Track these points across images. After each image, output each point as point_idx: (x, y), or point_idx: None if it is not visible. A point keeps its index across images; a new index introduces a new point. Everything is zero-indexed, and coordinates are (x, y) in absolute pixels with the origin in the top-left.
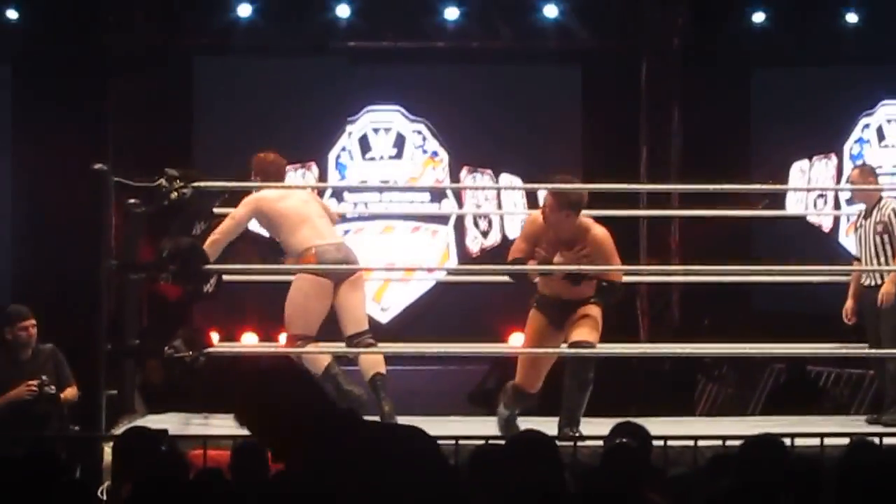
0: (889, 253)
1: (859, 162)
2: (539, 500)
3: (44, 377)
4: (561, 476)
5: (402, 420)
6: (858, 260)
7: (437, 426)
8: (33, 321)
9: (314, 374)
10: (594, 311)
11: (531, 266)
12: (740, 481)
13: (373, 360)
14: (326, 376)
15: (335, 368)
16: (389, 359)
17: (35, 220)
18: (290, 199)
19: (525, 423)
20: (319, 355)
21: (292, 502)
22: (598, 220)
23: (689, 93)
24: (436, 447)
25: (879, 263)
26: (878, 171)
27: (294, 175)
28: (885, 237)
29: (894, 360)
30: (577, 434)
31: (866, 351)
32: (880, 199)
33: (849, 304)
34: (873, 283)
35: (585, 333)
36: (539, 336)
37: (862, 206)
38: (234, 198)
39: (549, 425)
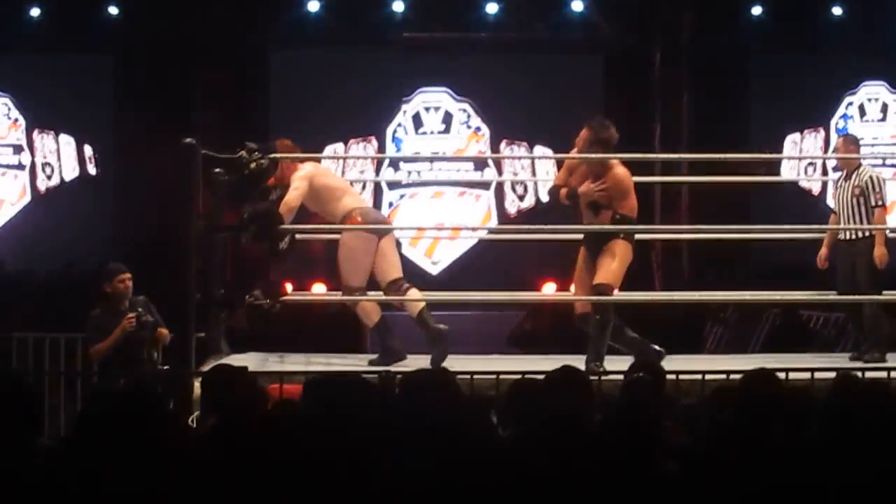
0: (864, 213)
1: (844, 133)
2: (568, 427)
3: (139, 309)
4: (589, 407)
5: (453, 358)
6: (834, 213)
7: (480, 364)
8: (129, 275)
9: (367, 322)
10: (614, 248)
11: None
12: (741, 411)
13: (416, 302)
14: (380, 324)
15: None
16: (439, 305)
17: (134, 189)
18: (329, 174)
19: (560, 360)
20: (372, 306)
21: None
22: None
23: (696, 77)
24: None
25: (855, 221)
26: (859, 142)
27: (357, 147)
28: (862, 199)
29: (870, 304)
30: (601, 369)
31: (848, 297)
32: (859, 165)
33: (823, 251)
34: (849, 237)
35: (601, 276)
36: (580, 267)
37: (842, 171)
38: None
39: (579, 362)
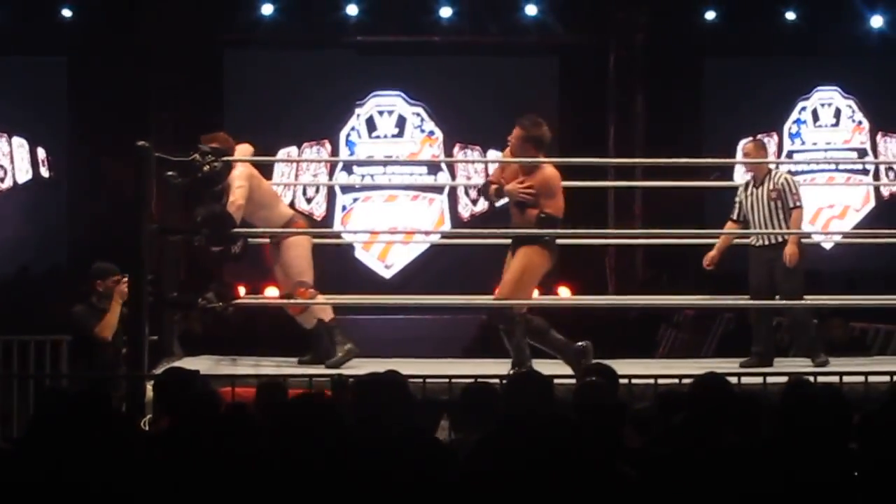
0: (782, 216)
1: (749, 138)
2: (525, 432)
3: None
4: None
5: (406, 361)
6: (735, 221)
7: (433, 367)
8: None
9: (319, 318)
10: (525, 255)
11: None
12: (691, 415)
13: (327, 308)
14: (327, 324)
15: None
16: (393, 309)
17: (88, 191)
18: (263, 179)
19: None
20: (326, 306)
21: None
22: (571, 189)
23: (651, 80)
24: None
25: (773, 225)
26: (812, 146)
27: (310, 151)
28: (779, 202)
29: (800, 309)
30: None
31: (796, 302)
32: (770, 169)
33: (713, 253)
34: (766, 243)
35: (501, 288)
36: (505, 267)
37: (752, 177)
38: (258, 170)
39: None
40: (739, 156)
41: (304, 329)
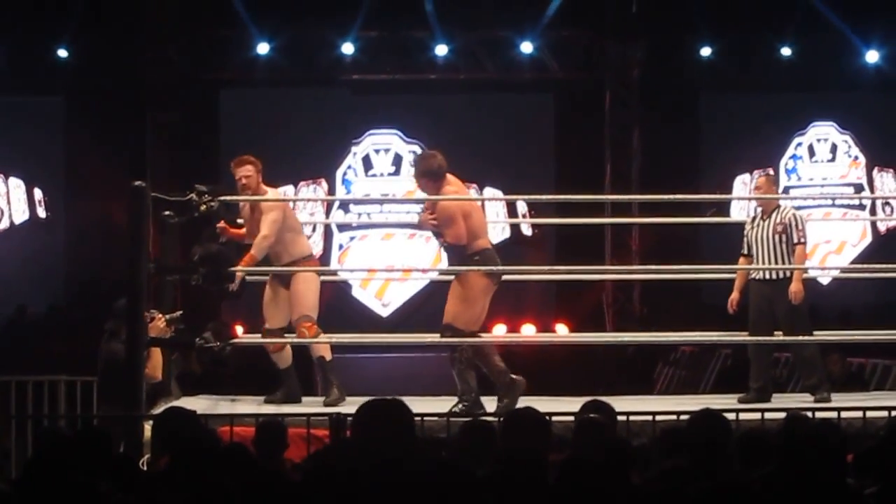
0: (786, 250)
1: (762, 172)
2: (525, 469)
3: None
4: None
5: (405, 399)
6: (745, 256)
7: (431, 405)
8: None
9: (321, 356)
10: (460, 283)
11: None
12: (689, 452)
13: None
14: (328, 363)
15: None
16: (390, 347)
17: (85, 230)
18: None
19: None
20: (326, 344)
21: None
22: (567, 226)
23: (647, 117)
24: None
25: (777, 259)
26: (809, 181)
27: (307, 189)
28: (784, 237)
29: (808, 345)
30: (465, 405)
31: (791, 339)
32: (779, 204)
33: (735, 296)
34: (768, 277)
35: (446, 316)
36: None
37: (760, 211)
38: None
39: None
40: (736, 191)
41: (275, 367)
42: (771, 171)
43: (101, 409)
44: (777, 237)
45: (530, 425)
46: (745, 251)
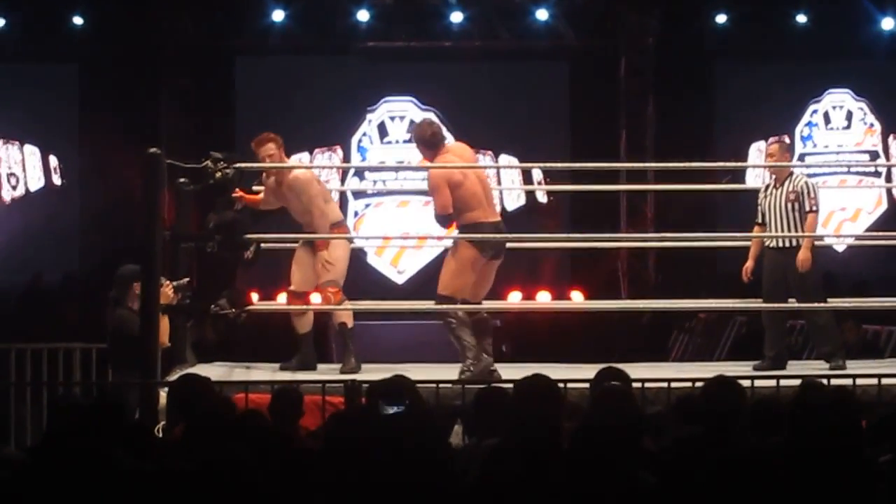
0: (797, 218)
1: (774, 138)
2: (540, 437)
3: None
4: (558, 415)
5: (418, 367)
6: (760, 224)
7: (445, 373)
8: None
9: (342, 322)
10: (451, 253)
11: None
12: (704, 419)
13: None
14: (349, 330)
15: None
16: (405, 314)
17: (100, 198)
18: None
19: (524, 368)
20: (349, 312)
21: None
22: (582, 194)
23: (662, 84)
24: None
25: (789, 227)
26: (824, 149)
27: (322, 157)
28: (796, 205)
29: (822, 313)
30: (470, 370)
31: (806, 305)
32: (792, 172)
33: (749, 264)
34: (781, 245)
35: (439, 286)
36: None
37: (772, 178)
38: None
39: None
40: (752, 158)
41: (294, 332)
42: (786, 139)
43: (114, 377)
44: (790, 205)
45: (543, 392)
46: (760, 220)
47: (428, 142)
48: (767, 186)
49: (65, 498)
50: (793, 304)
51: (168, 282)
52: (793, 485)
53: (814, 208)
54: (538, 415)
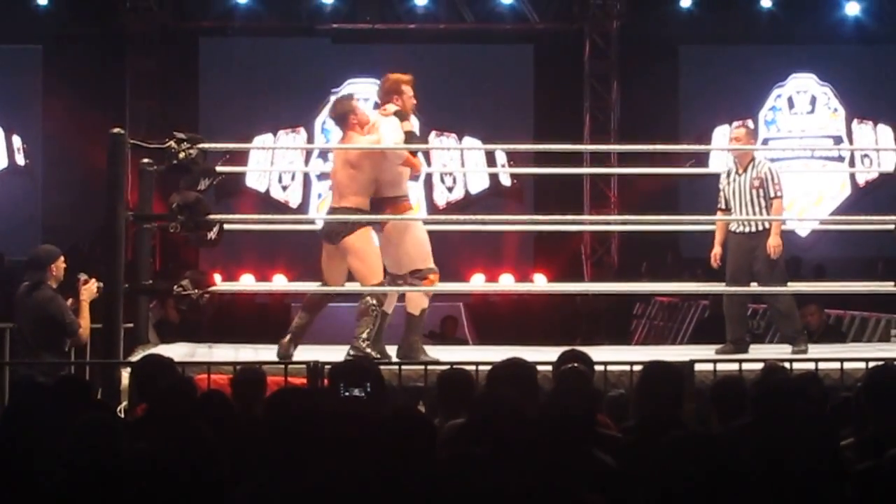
0: (763, 205)
1: (739, 123)
2: (503, 418)
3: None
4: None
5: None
6: (724, 210)
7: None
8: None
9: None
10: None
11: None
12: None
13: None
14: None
15: None
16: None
17: (63, 178)
18: None
19: (486, 350)
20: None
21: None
22: (546, 177)
23: (626, 68)
24: None
25: (752, 213)
26: (788, 133)
27: (286, 137)
28: (761, 191)
29: (783, 298)
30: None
31: (772, 289)
32: (754, 157)
33: (717, 250)
34: (746, 230)
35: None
36: None
37: (736, 164)
38: (234, 158)
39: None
40: (716, 142)
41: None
42: (750, 123)
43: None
44: (754, 192)
45: (518, 374)
46: (723, 205)
47: (338, 119)
48: (730, 172)
49: (29, 477)
50: (755, 288)
51: (91, 279)
52: (757, 467)
53: (778, 194)
54: (504, 396)
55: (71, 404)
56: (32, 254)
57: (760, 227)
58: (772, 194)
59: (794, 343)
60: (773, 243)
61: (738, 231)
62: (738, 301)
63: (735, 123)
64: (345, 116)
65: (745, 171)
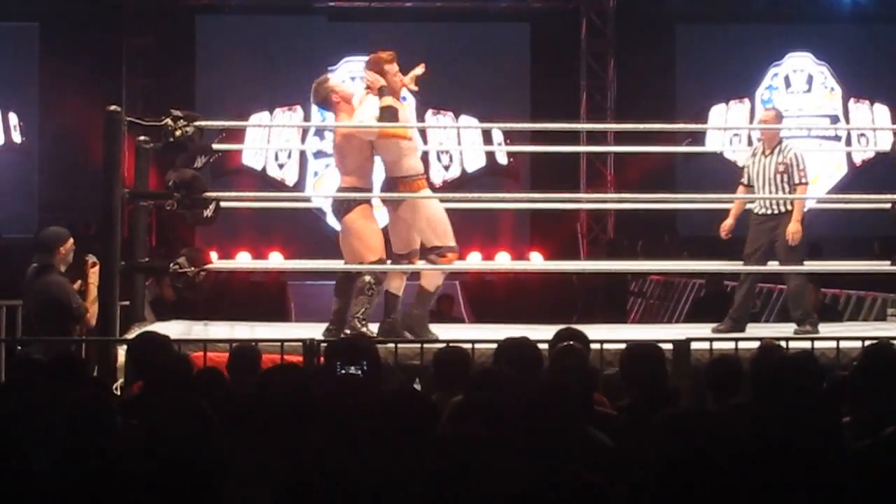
0: (786, 189)
1: (770, 105)
2: (501, 395)
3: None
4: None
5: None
6: (746, 186)
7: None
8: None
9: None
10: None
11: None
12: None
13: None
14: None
15: None
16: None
17: (61, 156)
18: None
19: (483, 329)
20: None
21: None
22: (542, 155)
23: (623, 47)
24: None
25: (775, 195)
26: (784, 113)
27: (282, 115)
28: (786, 176)
29: (796, 278)
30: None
31: (777, 268)
32: (781, 141)
33: (729, 222)
34: (768, 212)
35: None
36: None
37: (762, 145)
38: (230, 136)
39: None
40: (712, 121)
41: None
42: (776, 106)
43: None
44: (779, 176)
45: (524, 353)
46: (746, 181)
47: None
48: (755, 151)
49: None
50: (750, 267)
51: (91, 259)
52: (754, 445)
53: (804, 180)
54: (502, 374)
55: (64, 381)
56: (41, 236)
57: (782, 209)
58: (796, 180)
59: (801, 324)
60: (793, 230)
61: (759, 212)
62: (751, 280)
63: (767, 106)
64: (327, 98)
65: (771, 153)
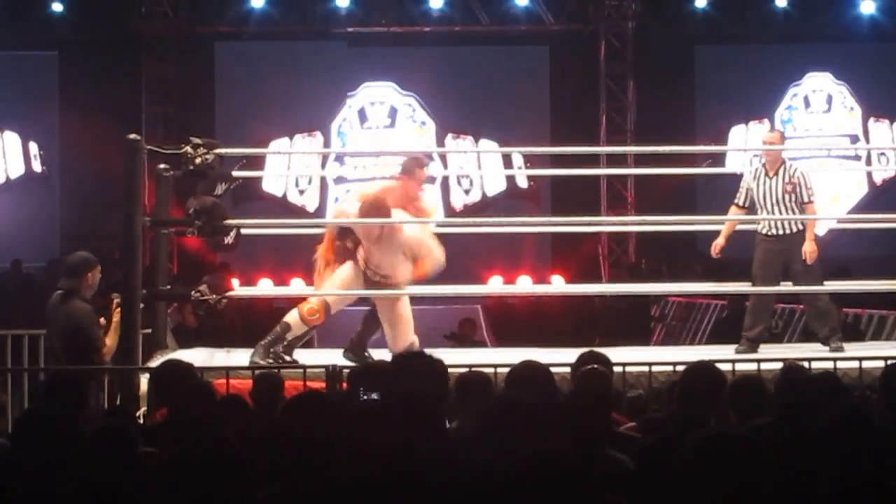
0: (794, 208)
1: (774, 129)
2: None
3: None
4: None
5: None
6: (740, 207)
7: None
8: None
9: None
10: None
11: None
12: (683, 401)
13: None
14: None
15: None
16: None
17: (80, 185)
18: None
19: (504, 353)
20: None
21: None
22: (563, 178)
23: (642, 69)
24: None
25: (783, 216)
26: (805, 132)
27: (302, 142)
28: (794, 196)
29: (822, 297)
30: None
31: (798, 288)
32: (784, 160)
33: (721, 241)
34: (779, 233)
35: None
36: None
37: (765, 166)
38: (250, 162)
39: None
40: (732, 142)
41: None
42: (782, 129)
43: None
44: (787, 196)
45: (533, 376)
46: (741, 203)
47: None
48: (757, 173)
49: (44, 482)
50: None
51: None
52: (779, 465)
53: (812, 198)
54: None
55: (63, 404)
56: (69, 261)
57: (792, 230)
58: (805, 199)
59: (829, 342)
60: (809, 249)
61: (767, 234)
62: (766, 301)
63: (770, 128)
64: (410, 169)
65: (775, 174)
